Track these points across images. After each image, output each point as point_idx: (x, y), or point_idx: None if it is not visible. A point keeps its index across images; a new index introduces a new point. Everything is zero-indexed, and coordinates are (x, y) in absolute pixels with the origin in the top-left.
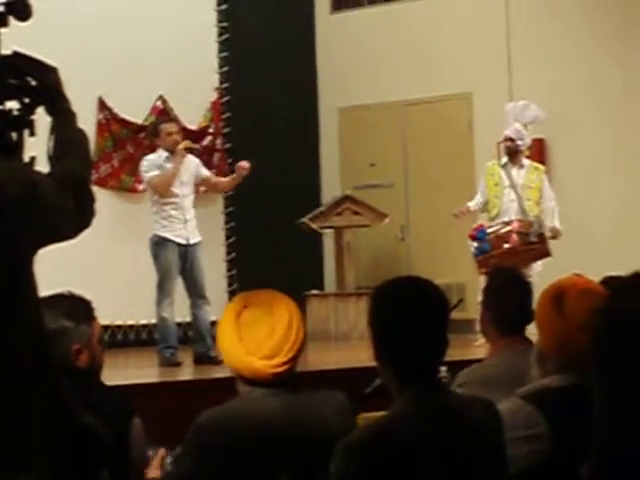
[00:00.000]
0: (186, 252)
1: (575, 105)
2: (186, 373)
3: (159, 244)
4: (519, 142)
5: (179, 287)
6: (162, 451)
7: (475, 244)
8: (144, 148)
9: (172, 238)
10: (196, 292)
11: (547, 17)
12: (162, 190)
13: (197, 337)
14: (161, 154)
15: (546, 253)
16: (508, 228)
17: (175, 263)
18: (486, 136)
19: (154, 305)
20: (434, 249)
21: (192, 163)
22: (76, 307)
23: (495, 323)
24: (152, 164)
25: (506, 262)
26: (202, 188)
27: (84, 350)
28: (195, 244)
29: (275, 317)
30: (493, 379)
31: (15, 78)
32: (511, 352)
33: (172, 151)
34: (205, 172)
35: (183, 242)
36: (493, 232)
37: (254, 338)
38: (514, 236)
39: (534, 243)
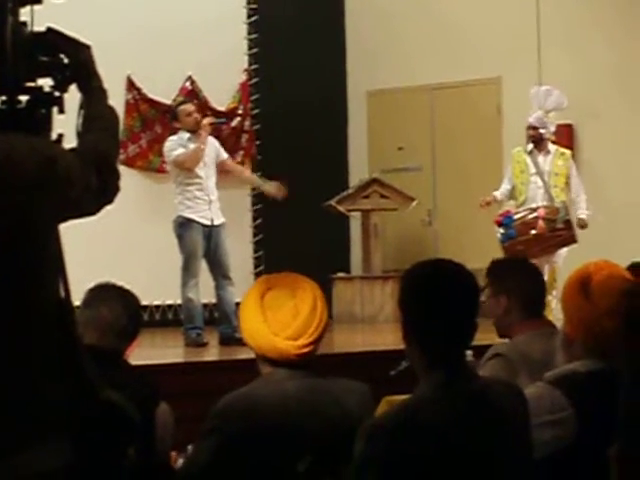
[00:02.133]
0: (210, 233)
1: (603, 90)
2: (212, 354)
3: (184, 225)
4: (542, 130)
5: (203, 268)
6: (173, 454)
7: (501, 230)
8: (172, 129)
9: (197, 219)
10: (221, 273)
11: (577, 2)
12: (191, 165)
13: (222, 318)
14: (183, 135)
15: (572, 239)
16: (534, 214)
17: (200, 244)
18: (515, 120)
19: (180, 286)
20: (461, 233)
21: (212, 145)
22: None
23: (516, 308)
24: (176, 143)
25: (532, 248)
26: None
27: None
28: (219, 225)
29: (299, 299)
30: (529, 357)
31: (48, 55)
32: (539, 334)
33: (193, 131)
34: (223, 154)
35: (208, 223)
36: (519, 218)
37: (279, 319)
38: (540, 222)
39: (560, 229)
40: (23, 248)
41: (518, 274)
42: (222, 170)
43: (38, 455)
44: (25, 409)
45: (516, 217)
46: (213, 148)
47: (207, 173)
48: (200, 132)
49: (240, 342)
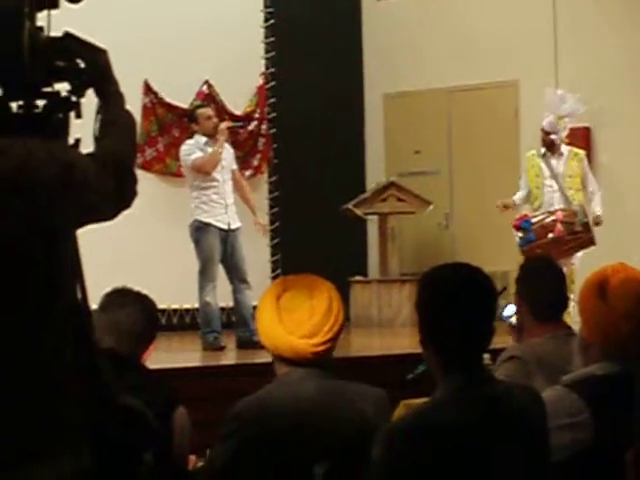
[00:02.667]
0: (227, 237)
1: (620, 94)
2: (229, 357)
3: (201, 229)
4: (553, 136)
5: (220, 272)
6: (192, 458)
7: (520, 234)
8: (189, 132)
9: (214, 223)
10: (238, 277)
11: (594, 5)
12: (210, 168)
13: (240, 322)
14: (199, 139)
15: (591, 242)
16: (552, 218)
17: (217, 248)
18: (532, 124)
19: (197, 290)
20: (478, 237)
21: (228, 151)
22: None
23: (533, 311)
24: (193, 147)
25: (551, 252)
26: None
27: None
28: (236, 229)
29: (315, 299)
30: (545, 359)
31: (64, 60)
32: (554, 337)
33: (211, 135)
34: (234, 165)
35: (225, 227)
36: (538, 222)
37: (294, 319)
38: (559, 226)
39: (579, 232)
40: (41, 253)
41: (533, 277)
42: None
43: (56, 461)
44: (43, 415)
45: (534, 220)
46: (229, 153)
47: (224, 177)
48: (218, 136)
49: (257, 345)
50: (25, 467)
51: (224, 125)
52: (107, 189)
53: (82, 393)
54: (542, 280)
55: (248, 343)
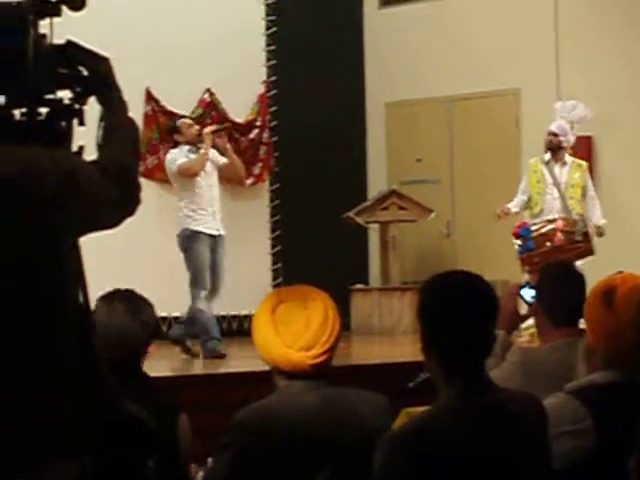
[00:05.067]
0: (215, 244)
1: (622, 103)
2: (231, 366)
3: (191, 238)
4: (562, 138)
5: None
6: (192, 467)
7: (519, 242)
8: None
9: (204, 230)
10: (214, 285)
11: (595, 15)
12: (197, 169)
13: (202, 331)
14: (182, 148)
15: (590, 252)
16: (552, 226)
17: (207, 256)
18: (533, 133)
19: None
20: (479, 245)
21: (212, 155)
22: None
23: (549, 314)
24: (178, 155)
25: (550, 260)
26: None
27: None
28: (222, 236)
29: (310, 310)
30: (545, 367)
31: (67, 67)
32: (566, 342)
33: (195, 142)
34: (222, 159)
35: (214, 233)
36: (537, 230)
37: (291, 331)
38: (559, 234)
39: (579, 242)
40: (44, 260)
41: (552, 282)
42: (229, 173)
43: (58, 468)
44: (45, 420)
45: (534, 229)
46: (213, 158)
47: (208, 183)
48: (204, 139)
49: (223, 356)
50: (27, 472)
51: (208, 129)
52: (110, 197)
53: (85, 399)
54: (561, 284)
55: (213, 353)
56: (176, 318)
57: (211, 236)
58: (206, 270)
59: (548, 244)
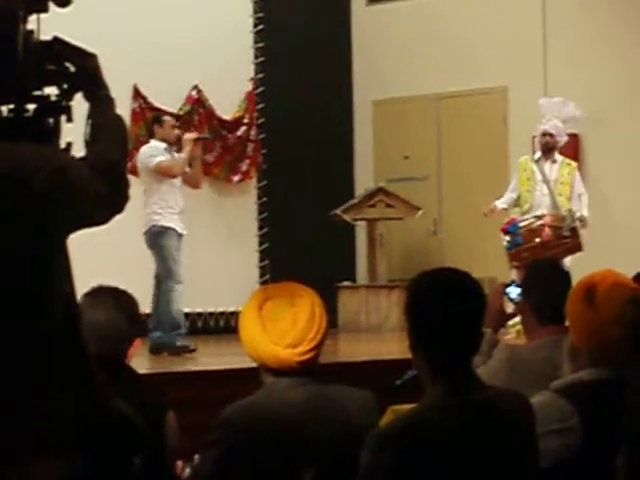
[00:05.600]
0: (180, 242)
1: (609, 101)
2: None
3: (162, 234)
4: (558, 138)
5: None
6: (179, 463)
7: (507, 238)
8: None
9: (174, 227)
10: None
11: (583, 13)
12: (177, 172)
13: (157, 325)
14: (158, 144)
15: (578, 247)
16: (540, 222)
17: (178, 250)
18: (521, 130)
19: (197, 294)
20: (466, 243)
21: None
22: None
23: (535, 312)
24: (157, 150)
25: (538, 256)
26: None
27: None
28: (183, 235)
29: (297, 307)
30: (531, 365)
31: (54, 64)
32: (552, 340)
33: (171, 143)
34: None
35: (182, 232)
36: (525, 226)
37: (278, 328)
38: (547, 230)
39: (567, 237)
40: (34, 256)
41: (537, 279)
42: (188, 180)
43: (46, 465)
44: (35, 418)
45: (522, 224)
46: None
47: (177, 184)
48: (184, 145)
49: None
50: (15, 469)
51: (191, 135)
52: (100, 193)
53: (74, 396)
54: (546, 282)
55: (183, 348)
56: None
57: (179, 234)
58: (179, 264)
59: (537, 240)
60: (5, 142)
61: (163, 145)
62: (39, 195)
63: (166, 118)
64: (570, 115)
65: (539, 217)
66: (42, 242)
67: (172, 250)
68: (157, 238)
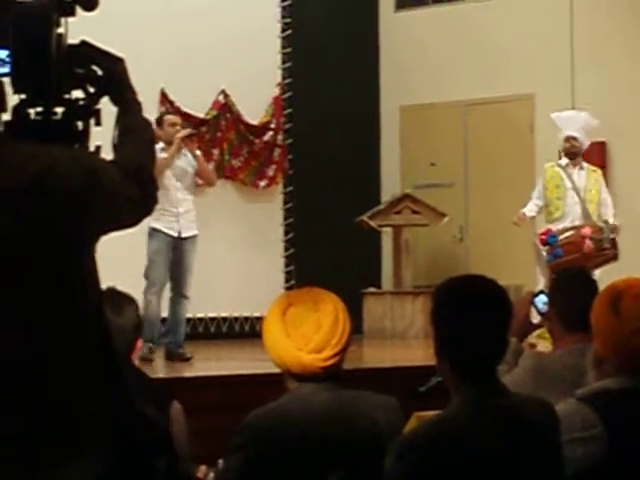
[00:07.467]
0: (176, 245)
1: (636, 108)
2: (245, 367)
3: (149, 235)
4: (582, 141)
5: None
6: (203, 467)
7: (546, 249)
8: (206, 142)
9: (162, 229)
10: (178, 289)
11: (611, 21)
12: (157, 171)
13: (169, 331)
14: (156, 147)
15: (615, 257)
16: (580, 233)
17: (164, 254)
18: (547, 138)
19: (222, 299)
20: (492, 250)
21: (187, 158)
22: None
23: (562, 319)
24: None
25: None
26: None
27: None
28: (187, 238)
29: (321, 312)
30: (557, 373)
31: (82, 67)
32: (578, 347)
33: (169, 143)
34: (190, 169)
35: (174, 235)
36: (565, 238)
37: (301, 334)
38: (588, 242)
39: (607, 248)
40: (67, 257)
41: (562, 286)
42: (202, 177)
43: (79, 465)
44: (65, 420)
45: (562, 237)
46: (185, 159)
47: (175, 185)
48: (172, 144)
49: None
50: (47, 471)
51: (180, 134)
52: (130, 196)
53: (105, 399)
54: (573, 290)
55: (176, 355)
56: (163, 320)
57: (171, 237)
58: (157, 268)
59: (579, 252)
60: (37, 144)
61: (161, 145)
62: (72, 197)
63: (166, 117)
64: (584, 122)
65: (577, 228)
66: (75, 242)
67: (153, 252)
68: (148, 239)
